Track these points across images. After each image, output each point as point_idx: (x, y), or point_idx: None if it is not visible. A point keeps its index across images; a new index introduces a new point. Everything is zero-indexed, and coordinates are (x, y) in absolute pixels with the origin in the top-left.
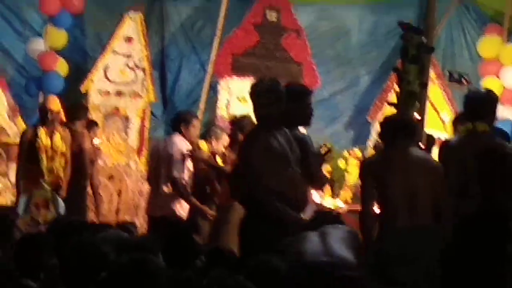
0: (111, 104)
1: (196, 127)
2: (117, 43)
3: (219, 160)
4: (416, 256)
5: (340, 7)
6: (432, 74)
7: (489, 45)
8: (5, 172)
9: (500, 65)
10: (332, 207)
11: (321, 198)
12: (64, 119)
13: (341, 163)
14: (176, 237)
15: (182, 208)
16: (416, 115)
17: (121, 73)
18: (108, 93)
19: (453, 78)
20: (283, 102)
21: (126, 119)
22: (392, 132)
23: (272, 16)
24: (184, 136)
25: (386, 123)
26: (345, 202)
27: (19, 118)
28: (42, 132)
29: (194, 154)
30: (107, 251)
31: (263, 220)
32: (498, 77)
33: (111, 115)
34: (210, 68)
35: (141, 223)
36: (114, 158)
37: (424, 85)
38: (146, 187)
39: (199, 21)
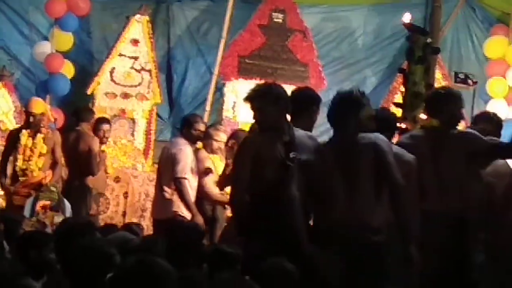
0: (118, 106)
1: (201, 130)
2: (123, 45)
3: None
4: None
5: (345, 8)
6: (438, 75)
7: (495, 45)
8: None
9: (507, 65)
10: None
11: None
12: (52, 120)
13: None
14: (184, 240)
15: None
16: (422, 116)
17: (127, 76)
18: (114, 95)
19: (460, 79)
20: (280, 106)
21: (133, 121)
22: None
23: (278, 17)
24: (187, 138)
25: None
26: None
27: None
28: (24, 134)
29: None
30: (113, 253)
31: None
32: (504, 77)
33: (118, 118)
34: (216, 70)
35: (147, 225)
36: (121, 161)
37: (430, 86)
38: (152, 189)
39: (205, 23)
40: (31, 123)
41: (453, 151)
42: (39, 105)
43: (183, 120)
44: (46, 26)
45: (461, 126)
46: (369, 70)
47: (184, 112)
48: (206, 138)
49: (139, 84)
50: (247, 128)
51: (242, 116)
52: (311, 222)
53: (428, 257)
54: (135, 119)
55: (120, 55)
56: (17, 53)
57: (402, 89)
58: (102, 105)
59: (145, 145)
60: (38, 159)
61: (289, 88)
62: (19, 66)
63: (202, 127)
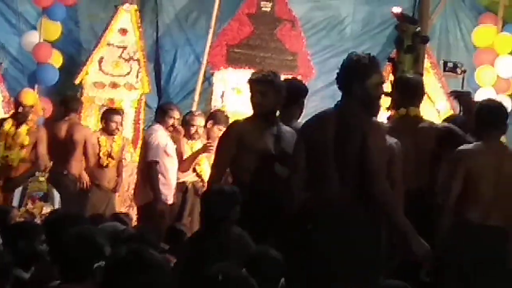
0: (106, 96)
1: (175, 117)
2: (111, 35)
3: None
4: None
5: None
6: (427, 63)
7: (483, 34)
8: None
9: (495, 54)
10: None
11: None
12: (40, 115)
13: None
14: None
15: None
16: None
17: (115, 65)
18: (103, 85)
19: (448, 68)
20: (279, 97)
21: (121, 110)
22: None
23: (266, 6)
24: (162, 124)
25: None
26: None
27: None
28: (8, 121)
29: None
30: (102, 242)
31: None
32: (492, 66)
33: (106, 107)
34: (204, 59)
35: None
36: None
37: (419, 75)
38: None
39: (194, 12)
40: (19, 113)
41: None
42: (30, 97)
43: (158, 109)
44: (34, 15)
45: (450, 113)
46: None
47: (172, 102)
48: (183, 124)
49: (128, 73)
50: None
51: (230, 105)
52: None
53: None
54: (124, 108)
55: (109, 44)
56: (5, 43)
57: (391, 78)
58: (91, 95)
59: (134, 134)
60: (19, 150)
61: None
62: (6, 55)
63: (176, 114)
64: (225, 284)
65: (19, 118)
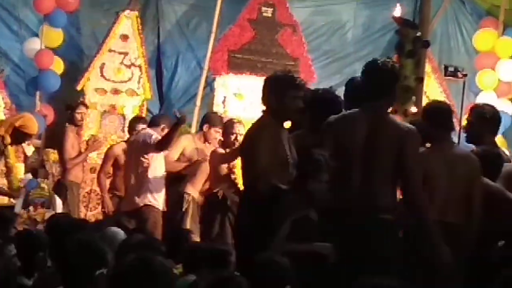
0: (108, 102)
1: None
2: (113, 41)
3: None
4: None
5: (335, 2)
6: (428, 68)
7: (484, 38)
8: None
9: (496, 58)
10: None
11: None
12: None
13: None
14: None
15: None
16: (413, 109)
17: (117, 71)
18: (104, 91)
19: (449, 72)
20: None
21: (123, 117)
22: None
23: (267, 12)
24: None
25: None
26: None
27: None
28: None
29: None
30: (104, 249)
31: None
32: (494, 70)
33: (108, 113)
34: (206, 65)
35: None
36: None
37: (420, 80)
38: None
39: (195, 18)
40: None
41: None
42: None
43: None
44: (35, 22)
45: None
46: (359, 63)
47: (174, 108)
48: (223, 132)
49: (129, 79)
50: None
51: (232, 110)
52: None
53: None
54: (126, 114)
55: (110, 50)
56: (7, 50)
57: None
58: (92, 101)
59: None
60: None
61: None
62: (8, 62)
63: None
64: None
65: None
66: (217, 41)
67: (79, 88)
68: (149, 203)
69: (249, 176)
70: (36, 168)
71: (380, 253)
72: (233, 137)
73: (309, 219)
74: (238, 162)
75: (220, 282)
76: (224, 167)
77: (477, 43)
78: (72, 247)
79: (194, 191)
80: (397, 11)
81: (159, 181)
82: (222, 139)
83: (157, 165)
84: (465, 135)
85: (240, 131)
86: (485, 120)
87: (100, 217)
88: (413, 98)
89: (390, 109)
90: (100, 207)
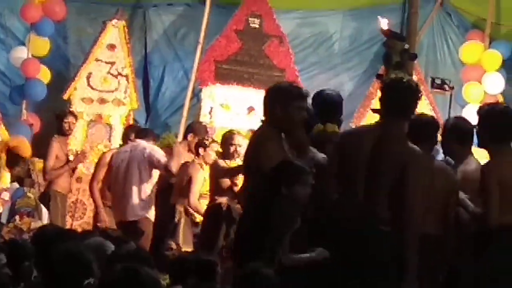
0: (94, 111)
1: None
2: (99, 50)
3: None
4: None
5: (322, 13)
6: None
7: (471, 51)
8: None
9: (482, 70)
10: None
11: None
12: None
13: None
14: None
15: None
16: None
17: (104, 81)
18: (91, 100)
19: (436, 84)
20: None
21: (110, 126)
22: None
23: (254, 23)
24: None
25: None
26: None
27: (2, 126)
28: None
29: None
30: (90, 259)
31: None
32: (480, 82)
33: (94, 123)
34: (193, 75)
35: None
36: None
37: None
38: None
39: (182, 28)
40: None
41: None
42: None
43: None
44: (22, 30)
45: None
46: (346, 75)
47: (161, 118)
48: (222, 143)
49: (116, 89)
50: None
51: (218, 121)
52: None
53: None
54: (112, 124)
55: (97, 60)
56: None
57: (379, 94)
58: (79, 110)
59: None
60: None
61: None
62: None
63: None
64: None
65: None
66: (204, 51)
67: (65, 97)
68: (148, 216)
69: (253, 186)
70: (22, 177)
71: (379, 258)
72: (232, 148)
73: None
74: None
75: None
76: (226, 180)
77: (463, 56)
78: (58, 256)
79: (184, 201)
80: (384, 23)
81: (152, 193)
82: (221, 150)
83: (154, 179)
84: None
85: (240, 142)
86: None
87: (86, 226)
88: None
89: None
90: (85, 216)
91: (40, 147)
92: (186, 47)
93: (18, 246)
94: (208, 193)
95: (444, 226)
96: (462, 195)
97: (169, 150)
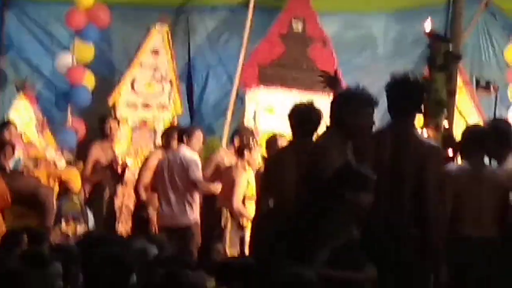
0: (139, 116)
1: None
2: (143, 56)
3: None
4: None
5: (366, 16)
6: (459, 81)
7: None
8: None
9: None
10: None
11: None
12: None
13: None
14: None
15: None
16: (445, 123)
17: (148, 86)
18: (135, 105)
19: (481, 85)
20: None
21: (154, 131)
22: None
23: (297, 26)
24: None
25: None
26: None
27: (48, 132)
28: None
29: None
30: (132, 264)
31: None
32: None
33: (139, 128)
34: (236, 79)
35: None
36: None
37: (452, 93)
38: None
39: (225, 32)
40: None
41: None
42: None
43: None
44: (66, 37)
45: None
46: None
47: (205, 122)
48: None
49: (160, 94)
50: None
51: (262, 124)
52: None
53: None
54: (156, 129)
55: (141, 65)
56: (39, 65)
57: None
58: (123, 116)
59: None
60: None
61: (309, 97)
62: (40, 77)
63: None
64: None
65: None
66: (247, 55)
67: (110, 102)
68: (195, 221)
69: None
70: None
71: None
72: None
73: (352, 243)
74: None
75: None
76: None
77: (508, 56)
78: (101, 260)
79: (231, 205)
80: (428, 25)
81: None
82: (265, 155)
83: None
84: None
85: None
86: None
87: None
88: (445, 112)
89: (416, 124)
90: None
91: (85, 152)
92: (230, 51)
93: (64, 250)
94: (254, 197)
95: (500, 228)
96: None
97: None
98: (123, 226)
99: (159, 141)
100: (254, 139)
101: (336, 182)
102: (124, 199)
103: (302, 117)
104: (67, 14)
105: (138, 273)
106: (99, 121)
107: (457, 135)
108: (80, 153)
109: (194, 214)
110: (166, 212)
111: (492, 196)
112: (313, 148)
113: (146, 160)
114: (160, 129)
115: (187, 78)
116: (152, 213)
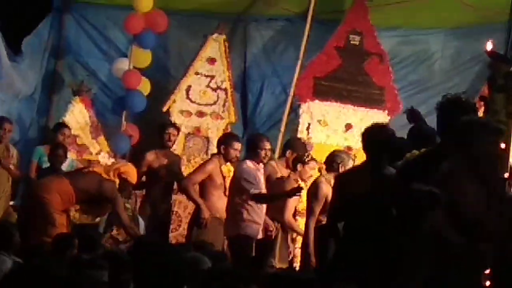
0: (192, 124)
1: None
2: (200, 64)
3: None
4: None
5: (423, 32)
6: None
7: None
8: None
9: None
10: None
11: None
12: None
13: None
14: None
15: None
16: (502, 145)
17: (203, 94)
18: (189, 113)
19: None
20: None
21: (207, 139)
22: None
23: (355, 40)
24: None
25: None
26: None
27: (102, 136)
28: None
29: None
30: (185, 273)
31: None
32: None
33: (192, 136)
34: (291, 91)
35: None
36: None
37: (511, 115)
38: None
39: (282, 43)
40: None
41: None
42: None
43: (248, 141)
44: (124, 41)
45: None
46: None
47: (258, 132)
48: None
49: (215, 102)
50: (320, 149)
51: (316, 138)
52: None
53: None
54: (210, 137)
55: (196, 73)
56: (95, 69)
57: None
58: (177, 123)
59: None
60: None
61: (364, 111)
62: (96, 81)
63: (267, 145)
64: None
65: None
66: (303, 67)
67: (164, 109)
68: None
69: None
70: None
71: None
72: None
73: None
74: None
75: None
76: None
77: None
78: (153, 269)
79: (281, 218)
80: (489, 45)
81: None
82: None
83: None
84: None
85: (345, 160)
86: None
87: (181, 239)
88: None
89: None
90: (180, 228)
91: (138, 158)
92: (285, 62)
93: (117, 258)
94: (305, 211)
95: None
96: None
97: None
98: (174, 234)
99: (211, 150)
100: (307, 153)
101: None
102: (175, 207)
103: (377, 138)
104: (126, 19)
105: (190, 284)
106: (158, 128)
107: None
108: (133, 158)
109: (247, 226)
110: (226, 223)
111: None
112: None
113: (204, 163)
114: (213, 137)
115: (242, 87)
116: (205, 205)
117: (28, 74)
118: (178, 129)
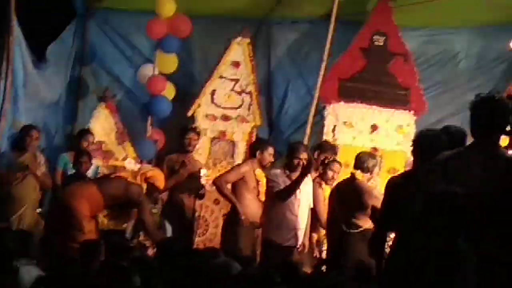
0: (218, 128)
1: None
2: (224, 67)
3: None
4: None
5: (448, 31)
6: None
7: None
8: None
9: None
10: None
11: None
12: None
13: None
14: None
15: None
16: None
17: (227, 98)
18: (214, 117)
19: None
20: None
21: (233, 143)
22: None
23: (379, 41)
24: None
25: None
26: None
27: (128, 142)
28: None
29: None
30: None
31: None
32: None
33: (218, 140)
34: (316, 93)
35: None
36: None
37: None
38: None
39: (306, 45)
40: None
41: None
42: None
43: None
44: (148, 47)
45: None
46: (472, 94)
47: (283, 135)
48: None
49: (240, 106)
50: (346, 151)
51: (341, 139)
52: None
53: None
54: (235, 141)
55: (221, 77)
56: (120, 75)
57: None
58: (203, 127)
59: None
60: None
61: (389, 112)
62: (121, 87)
63: (304, 155)
64: None
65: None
66: (328, 69)
67: (189, 114)
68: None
69: None
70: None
71: None
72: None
73: None
74: None
75: None
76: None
77: None
78: (182, 274)
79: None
80: None
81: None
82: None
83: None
84: None
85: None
86: None
87: (208, 243)
88: None
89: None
90: (207, 233)
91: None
92: (309, 65)
93: (145, 263)
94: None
95: None
96: None
97: None
98: (201, 238)
99: (237, 153)
100: (333, 156)
101: None
102: (202, 211)
103: (428, 144)
104: (149, 24)
105: None
106: (179, 133)
107: None
108: (159, 164)
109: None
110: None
111: None
112: None
113: (238, 165)
114: (239, 141)
115: (267, 90)
116: (239, 204)
117: (53, 81)
118: (198, 134)
